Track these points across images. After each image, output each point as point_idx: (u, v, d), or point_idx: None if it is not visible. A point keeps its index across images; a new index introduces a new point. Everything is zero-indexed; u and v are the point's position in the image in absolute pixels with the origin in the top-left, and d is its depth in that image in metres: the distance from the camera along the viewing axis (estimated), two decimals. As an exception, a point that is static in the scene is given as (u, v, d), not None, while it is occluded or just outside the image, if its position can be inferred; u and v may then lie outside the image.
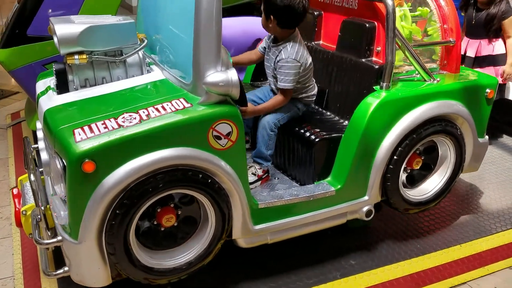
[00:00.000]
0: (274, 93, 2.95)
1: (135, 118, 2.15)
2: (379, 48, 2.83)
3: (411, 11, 3.34)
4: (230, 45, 4.22)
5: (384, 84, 2.70)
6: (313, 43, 3.34)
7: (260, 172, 2.83)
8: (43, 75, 2.83)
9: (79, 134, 2.07)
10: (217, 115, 2.23)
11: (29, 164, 2.61)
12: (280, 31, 2.74)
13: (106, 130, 2.09)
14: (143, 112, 2.19)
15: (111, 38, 2.48)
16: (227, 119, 2.25)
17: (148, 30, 2.81)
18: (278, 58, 2.74)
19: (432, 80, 2.87)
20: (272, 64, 2.81)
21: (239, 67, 3.93)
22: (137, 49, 2.55)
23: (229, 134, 2.28)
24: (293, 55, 2.70)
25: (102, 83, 2.52)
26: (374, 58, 2.87)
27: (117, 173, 2.07)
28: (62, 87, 2.46)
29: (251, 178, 2.78)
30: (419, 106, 2.75)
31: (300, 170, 2.89)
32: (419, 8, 3.37)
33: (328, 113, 3.14)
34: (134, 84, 2.46)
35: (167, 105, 2.23)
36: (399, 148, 2.76)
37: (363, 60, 2.87)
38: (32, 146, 2.83)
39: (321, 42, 3.37)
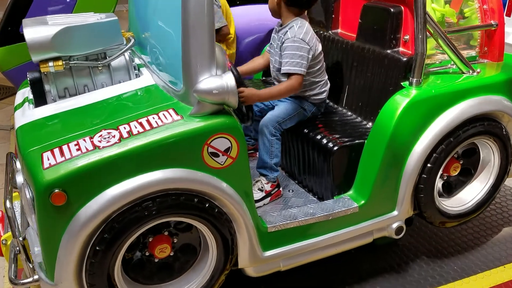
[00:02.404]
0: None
1: (114, 136, 1.80)
2: (407, 37, 2.40)
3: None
4: (243, 35, 3.86)
5: (414, 80, 2.27)
6: (330, 32, 2.93)
7: (268, 187, 2.46)
8: (26, 84, 2.51)
9: (48, 159, 1.75)
10: (212, 128, 1.87)
11: (7, 186, 2.31)
12: (287, 11, 2.39)
13: (79, 152, 1.75)
14: (124, 128, 1.84)
15: (92, 40, 2.14)
16: (224, 133, 1.89)
17: (139, 26, 2.46)
18: (283, 39, 2.37)
19: (471, 71, 2.43)
20: (278, 51, 2.42)
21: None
22: (122, 50, 2.21)
23: (228, 150, 1.91)
24: (300, 35, 2.32)
25: (84, 92, 2.19)
26: (401, 49, 2.44)
27: (93, 204, 1.74)
28: (39, 98, 2.14)
29: (258, 195, 2.42)
30: (457, 104, 2.33)
31: (317, 182, 2.51)
32: (453, -15, 2.90)
33: (349, 113, 2.73)
34: (118, 92, 2.11)
35: (153, 118, 1.88)
36: (434, 155, 2.35)
37: (389, 51, 2.44)
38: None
39: (339, 30, 2.95)
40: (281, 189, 2.56)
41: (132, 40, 2.27)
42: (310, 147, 2.49)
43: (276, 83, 2.57)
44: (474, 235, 2.91)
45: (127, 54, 2.23)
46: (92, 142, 1.79)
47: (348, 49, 2.73)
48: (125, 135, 1.81)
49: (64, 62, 2.08)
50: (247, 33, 3.86)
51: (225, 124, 1.89)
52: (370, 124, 2.57)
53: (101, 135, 1.81)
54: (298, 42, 2.32)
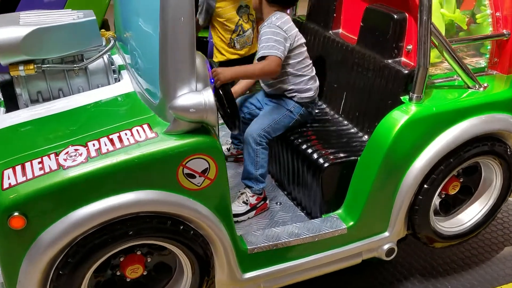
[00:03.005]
0: (270, 99, 2.42)
1: (81, 154, 1.67)
2: (410, 47, 2.22)
3: (455, -10, 2.67)
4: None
5: (415, 96, 2.10)
6: (330, 32, 2.74)
7: (253, 200, 2.33)
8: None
9: (9, 178, 1.62)
10: (188, 148, 1.73)
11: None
12: (268, 7, 2.30)
13: (42, 172, 1.62)
14: (93, 145, 1.70)
15: (67, 41, 1.99)
16: (202, 153, 1.74)
17: (121, 23, 2.29)
18: (261, 32, 2.27)
19: (477, 86, 2.24)
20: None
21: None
22: (101, 53, 2.05)
23: (205, 171, 1.77)
24: (277, 23, 2.23)
25: (59, 96, 2.05)
26: (403, 59, 2.26)
27: (55, 228, 1.62)
28: (10, 102, 2.01)
29: (242, 208, 2.29)
30: (459, 123, 2.15)
31: (305, 196, 2.37)
32: (466, -14, 2.68)
33: (345, 122, 2.57)
34: (93, 99, 1.97)
35: (126, 134, 1.74)
36: (432, 175, 2.19)
37: (390, 61, 2.26)
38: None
39: (340, 31, 2.76)
40: (267, 202, 2.42)
41: (112, 41, 2.11)
42: (300, 160, 2.34)
43: (265, 88, 2.42)
44: (472, 251, 2.78)
45: (106, 57, 2.08)
46: (57, 160, 1.65)
47: (348, 53, 2.55)
48: (93, 153, 1.67)
49: (36, 65, 1.93)
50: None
51: (202, 144, 1.75)
52: (366, 136, 2.42)
53: (67, 152, 1.68)
54: (273, 28, 2.21)
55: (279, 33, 2.19)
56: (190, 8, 1.66)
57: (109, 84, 2.11)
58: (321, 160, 2.22)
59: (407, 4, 2.19)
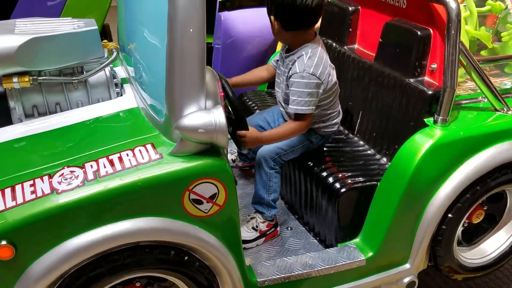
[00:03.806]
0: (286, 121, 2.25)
1: (77, 177, 1.51)
2: (434, 66, 2.06)
3: (478, 5, 2.54)
4: (249, 43, 3.51)
5: (440, 118, 1.94)
6: (345, 47, 2.59)
7: (263, 227, 2.15)
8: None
9: (-4, 202, 1.46)
10: (195, 172, 1.56)
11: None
12: (290, 36, 2.00)
13: (33, 196, 1.46)
14: (91, 166, 1.54)
15: (66, 52, 1.84)
16: (210, 177, 1.58)
17: (126, 33, 2.15)
18: (290, 72, 2.00)
19: (505, 109, 2.09)
20: (284, 81, 2.09)
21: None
22: (102, 65, 1.90)
23: (214, 196, 1.61)
24: (310, 69, 1.95)
25: (56, 111, 1.90)
26: (426, 78, 2.11)
27: (47, 259, 1.46)
28: (3, 116, 1.86)
29: (251, 235, 2.13)
30: (487, 149, 1.99)
31: (319, 223, 2.20)
32: (489, 1, 2.55)
33: (361, 143, 2.41)
34: (93, 115, 1.81)
35: (127, 155, 1.58)
36: (457, 204, 2.03)
37: (412, 80, 2.11)
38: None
39: (356, 46, 2.61)
40: (278, 228, 2.25)
41: (115, 53, 1.97)
42: (314, 183, 2.17)
43: (281, 107, 2.25)
44: (495, 281, 2.60)
45: (107, 69, 1.93)
46: (50, 183, 1.49)
47: (365, 70, 2.40)
48: (90, 176, 1.51)
49: (31, 78, 1.78)
50: (253, 38, 3.51)
51: (211, 167, 1.58)
52: (384, 159, 2.26)
53: (62, 174, 1.52)
54: (307, 78, 1.94)
55: (312, 83, 1.95)
56: (201, 18, 1.51)
57: (110, 98, 1.95)
58: (337, 185, 2.05)
59: (432, 20, 2.05)
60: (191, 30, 1.50)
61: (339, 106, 2.24)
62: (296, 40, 2.01)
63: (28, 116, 1.87)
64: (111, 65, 1.96)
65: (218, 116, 1.53)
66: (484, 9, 2.59)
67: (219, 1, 3.19)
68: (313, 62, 1.96)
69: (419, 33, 2.06)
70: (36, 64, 1.78)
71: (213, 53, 3.32)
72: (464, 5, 2.47)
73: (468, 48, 2.28)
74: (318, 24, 2.88)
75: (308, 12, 1.90)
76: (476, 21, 2.43)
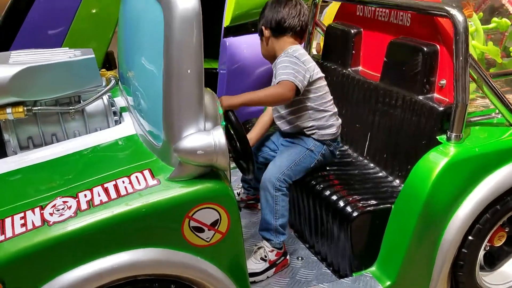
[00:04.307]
0: (287, 139, 2.19)
1: (69, 208, 1.42)
2: (443, 82, 1.99)
3: (483, 22, 2.48)
4: (255, 68, 3.48)
5: (453, 135, 1.85)
6: (349, 69, 2.53)
7: (272, 256, 2.03)
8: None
9: (-16, 236, 1.37)
10: (195, 197, 1.47)
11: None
12: (278, 44, 2.12)
13: (24, 229, 1.37)
14: (85, 196, 1.46)
15: (62, 81, 1.79)
16: (211, 202, 1.49)
17: (124, 61, 2.11)
18: (277, 63, 2.06)
19: (521, 124, 1.99)
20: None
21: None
22: (99, 93, 1.85)
23: (216, 223, 1.51)
24: (294, 53, 2.05)
25: (52, 142, 1.83)
26: (436, 95, 2.03)
27: (38, 295, 1.35)
28: (-3, 149, 1.79)
29: (260, 266, 2.01)
30: (505, 165, 1.88)
31: (331, 251, 2.08)
32: (495, 19, 2.50)
33: (371, 165, 2.31)
34: (90, 144, 1.74)
35: (123, 182, 1.50)
36: (477, 225, 1.91)
37: (421, 97, 2.03)
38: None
39: (360, 68, 2.55)
40: (288, 257, 2.13)
41: (113, 81, 1.92)
42: (324, 208, 2.07)
43: (281, 126, 2.19)
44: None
45: (105, 98, 1.87)
46: (42, 215, 1.41)
47: (371, 91, 2.33)
48: (83, 206, 1.42)
49: (26, 108, 1.73)
50: (258, 63, 3.47)
51: (212, 191, 1.49)
52: (397, 181, 2.15)
53: (54, 205, 1.43)
54: (291, 57, 2.02)
55: (297, 64, 2.00)
56: (198, 39, 1.46)
57: (108, 127, 1.89)
58: (348, 209, 1.94)
59: (438, 35, 1.98)
60: (190, 54, 1.45)
61: (335, 109, 2.19)
62: (283, 47, 2.11)
63: (23, 148, 1.80)
64: (109, 94, 1.91)
65: (217, 137, 1.45)
66: (490, 26, 2.54)
67: (224, 27, 3.17)
68: (297, 52, 2.06)
69: (425, 49, 2.00)
70: (30, 94, 1.73)
71: (218, 78, 3.27)
72: (472, 23, 2.42)
73: (476, 59, 2.22)
74: (320, 48, 2.85)
75: (293, 15, 2.09)
76: (482, 37, 2.38)
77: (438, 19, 1.95)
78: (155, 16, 1.54)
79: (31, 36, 2.90)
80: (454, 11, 1.77)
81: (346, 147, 2.49)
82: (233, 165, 2.00)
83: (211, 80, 3.31)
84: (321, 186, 2.12)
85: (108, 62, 3.22)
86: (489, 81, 1.88)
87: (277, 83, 1.97)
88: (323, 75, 2.15)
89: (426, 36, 2.06)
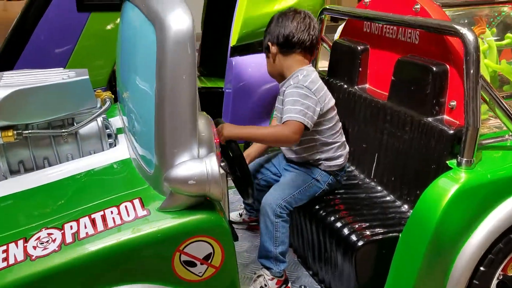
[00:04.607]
0: (291, 164, 2.09)
1: (54, 240, 1.35)
2: (453, 103, 1.89)
3: (496, 38, 2.38)
4: (261, 88, 3.42)
5: (464, 160, 1.74)
6: (356, 87, 2.44)
7: (272, 284, 1.95)
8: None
9: (-37, 271, 1.30)
10: (186, 230, 1.39)
11: None
12: (286, 61, 2.00)
13: (5, 264, 1.30)
14: (71, 227, 1.39)
15: (54, 103, 1.74)
16: (204, 235, 1.41)
17: (121, 82, 2.05)
18: (285, 92, 1.94)
19: (537, 147, 1.88)
20: (282, 109, 1.97)
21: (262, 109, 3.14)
22: (93, 116, 1.79)
23: (209, 257, 1.43)
24: (305, 83, 1.91)
25: (44, 166, 1.77)
26: (445, 117, 1.93)
27: (17, 335, 1.27)
28: (-14, 174, 1.74)
29: (261, 296, 1.91)
30: (520, 192, 1.77)
31: (336, 280, 1.98)
32: (509, 34, 2.39)
33: (378, 188, 2.21)
34: (81, 169, 1.68)
35: (111, 213, 1.42)
36: (489, 256, 1.79)
37: (430, 119, 1.93)
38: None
39: (367, 86, 2.46)
40: (289, 284, 2.03)
41: (108, 103, 1.86)
42: (327, 235, 1.97)
43: (286, 154, 2.10)
44: None
45: (100, 120, 1.81)
46: (25, 248, 1.34)
47: (378, 110, 2.23)
48: (68, 239, 1.35)
49: (16, 132, 1.67)
50: (264, 82, 3.42)
51: (205, 223, 1.41)
52: (405, 206, 2.05)
53: (39, 237, 1.36)
54: (301, 89, 1.88)
55: (308, 96, 1.87)
56: (191, 61, 1.39)
57: (103, 150, 1.83)
58: (353, 237, 1.85)
59: (448, 54, 1.89)
60: (184, 77, 1.39)
61: (343, 138, 2.08)
62: (292, 66, 2.00)
63: (14, 172, 1.75)
64: (104, 115, 1.85)
65: (211, 164, 1.37)
66: (503, 42, 2.43)
67: (231, 46, 3.13)
68: (308, 79, 1.94)
69: (434, 69, 1.90)
70: (21, 118, 1.67)
71: (224, 97, 3.23)
72: (482, 39, 2.32)
73: (488, 78, 2.12)
74: (325, 64, 2.77)
75: (302, 29, 1.97)
76: (495, 55, 2.27)
77: (447, 37, 1.86)
78: (148, 37, 1.48)
79: (37, 54, 2.88)
80: (464, 30, 1.68)
81: (352, 168, 2.39)
82: (233, 184, 1.93)
83: (216, 99, 3.28)
84: (325, 211, 2.03)
85: (115, 80, 3.19)
86: (502, 103, 1.78)
87: (283, 122, 1.85)
88: (334, 102, 2.04)
89: (436, 55, 1.96)
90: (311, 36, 1.99)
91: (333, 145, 2.04)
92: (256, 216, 2.41)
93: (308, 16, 2.01)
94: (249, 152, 2.23)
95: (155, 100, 1.42)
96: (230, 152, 1.81)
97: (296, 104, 1.84)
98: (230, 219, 2.48)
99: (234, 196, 2.65)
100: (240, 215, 2.46)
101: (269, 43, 2.02)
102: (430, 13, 1.99)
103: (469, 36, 1.67)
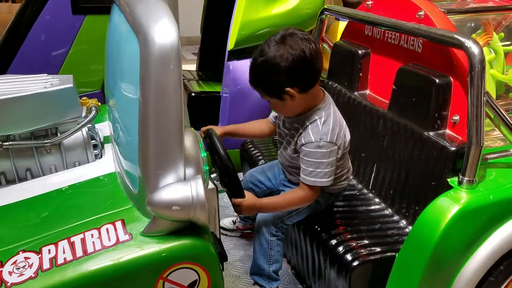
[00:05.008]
0: (290, 181, 2.00)
1: (31, 266, 1.28)
2: (456, 117, 1.80)
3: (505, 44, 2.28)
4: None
5: (465, 179, 1.66)
6: (356, 93, 2.35)
7: (266, 303, 1.88)
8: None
9: None
10: (170, 256, 1.32)
11: None
12: (304, 100, 1.73)
13: (-23, 291, 1.24)
14: (49, 251, 1.32)
15: (37, 113, 1.66)
16: (189, 262, 1.33)
17: (107, 88, 1.97)
18: (304, 140, 1.74)
19: (543, 164, 1.79)
20: (291, 145, 1.83)
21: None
22: (78, 126, 1.71)
23: (193, 284, 1.36)
24: (327, 136, 1.70)
25: (26, 177, 1.70)
26: (448, 131, 1.84)
27: None
28: (-35, 186, 1.67)
29: (252, 315, 1.85)
30: (524, 213, 1.69)
31: (330, 298, 1.91)
32: (517, 40, 2.30)
33: (376, 200, 2.13)
34: (63, 183, 1.60)
35: (92, 236, 1.35)
36: (490, 278, 1.72)
37: (431, 133, 1.84)
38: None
39: (367, 92, 2.37)
40: (283, 302, 1.97)
41: (94, 111, 1.77)
42: (321, 252, 1.90)
43: (285, 171, 2.00)
44: None
45: (85, 130, 1.73)
46: (0, 273, 1.27)
47: (379, 118, 2.15)
48: (46, 264, 1.28)
49: (-3, 143, 1.59)
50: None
51: (190, 248, 1.34)
52: (403, 222, 1.97)
53: (15, 262, 1.29)
54: (325, 148, 1.70)
55: (331, 152, 1.71)
56: (177, 77, 1.31)
57: (88, 161, 1.75)
58: (348, 257, 1.77)
59: (451, 66, 1.80)
60: (168, 95, 1.30)
61: (349, 163, 1.98)
62: (310, 103, 1.76)
63: (-5, 184, 1.67)
64: (89, 125, 1.77)
65: (196, 188, 1.30)
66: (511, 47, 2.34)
67: (228, 50, 3.04)
68: (329, 128, 1.72)
69: (437, 80, 1.81)
70: (1, 129, 1.59)
71: (221, 102, 3.16)
72: (488, 44, 2.22)
73: (495, 89, 2.03)
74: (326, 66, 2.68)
75: (315, 60, 1.68)
76: (503, 63, 2.18)
77: (452, 49, 1.76)
78: (132, 48, 1.39)
79: (31, 56, 2.81)
80: (469, 43, 1.58)
81: (350, 177, 2.31)
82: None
83: (214, 104, 3.19)
84: (320, 226, 1.94)
85: None
86: (508, 120, 1.69)
87: (302, 185, 1.75)
88: (349, 138, 1.87)
89: (439, 65, 1.87)
90: (321, 58, 1.73)
91: (341, 173, 1.92)
92: (251, 224, 2.34)
93: (307, 39, 1.68)
94: (244, 130, 2.08)
95: (139, 118, 1.34)
96: (221, 165, 1.74)
97: (321, 167, 1.71)
98: (223, 225, 2.41)
99: (228, 201, 2.58)
100: (234, 222, 2.40)
101: (288, 89, 1.67)
102: (434, 21, 1.89)
103: (474, 49, 1.57)
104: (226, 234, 2.41)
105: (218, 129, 1.90)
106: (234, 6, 2.99)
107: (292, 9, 3.06)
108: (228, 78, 3.03)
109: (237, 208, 1.72)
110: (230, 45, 2.97)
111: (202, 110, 3.30)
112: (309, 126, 1.73)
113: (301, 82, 1.68)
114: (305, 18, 3.17)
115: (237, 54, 3.00)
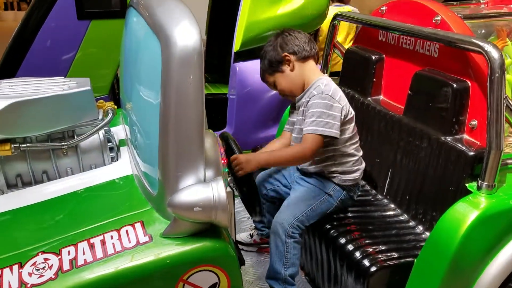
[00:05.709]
0: (303, 177, 2.00)
1: (51, 267, 1.27)
2: (474, 122, 1.79)
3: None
4: (265, 93, 3.32)
5: (485, 184, 1.64)
6: (369, 98, 2.35)
7: (281, 309, 1.86)
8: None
9: (-48, 299, 1.23)
10: (190, 258, 1.31)
11: None
12: (306, 70, 1.94)
13: (-3, 292, 1.23)
14: (68, 253, 1.31)
15: (54, 116, 1.65)
16: (209, 264, 1.32)
17: (124, 91, 1.97)
18: (309, 102, 1.87)
19: None
20: (302, 123, 1.90)
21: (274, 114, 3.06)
22: (95, 128, 1.70)
23: (214, 287, 1.34)
24: (329, 92, 1.86)
25: (42, 180, 1.69)
26: (465, 136, 1.83)
27: None
28: (-16, 188, 1.66)
29: (267, 321, 1.83)
30: (544, 218, 1.67)
31: (346, 305, 1.89)
32: (531, 47, 2.29)
33: (391, 206, 2.12)
34: (80, 186, 1.60)
35: (112, 237, 1.34)
36: (510, 284, 1.70)
37: (449, 138, 1.83)
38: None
39: (381, 97, 2.36)
40: (299, 309, 1.95)
41: (110, 114, 1.77)
42: (338, 257, 1.88)
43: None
44: None
45: (101, 132, 1.73)
46: (20, 274, 1.26)
47: (393, 124, 2.14)
48: (66, 266, 1.27)
49: (13, 146, 1.59)
50: (268, 88, 3.32)
51: (210, 251, 1.33)
52: (420, 227, 1.95)
53: (35, 263, 1.28)
54: (327, 99, 1.83)
55: (333, 106, 1.83)
56: (199, 79, 1.30)
57: (104, 164, 1.74)
58: (366, 262, 1.75)
59: (469, 71, 1.79)
60: (190, 97, 1.30)
61: (361, 152, 2.00)
62: (310, 75, 1.94)
63: (11, 186, 1.67)
64: (106, 127, 1.76)
65: (217, 190, 1.29)
66: (525, 54, 2.33)
67: (234, 52, 3.05)
68: (331, 88, 1.89)
69: (455, 85, 1.80)
70: (18, 131, 1.59)
71: (228, 103, 3.16)
72: (503, 52, 2.22)
73: (511, 94, 2.02)
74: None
75: (308, 38, 1.96)
76: (517, 70, 2.17)
77: (470, 53, 1.76)
78: (153, 51, 1.39)
79: (38, 63, 2.81)
80: (488, 47, 1.58)
81: (364, 183, 2.30)
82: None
83: (221, 105, 3.19)
84: (337, 230, 1.93)
85: (118, 87, 3.12)
86: (527, 125, 1.68)
87: (304, 138, 1.83)
88: (353, 116, 1.97)
89: (456, 70, 1.86)
90: (314, 45, 1.99)
91: (351, 158, 1.96)
92: (268, 236, 2.32)
93: (301, 31, 2.01)
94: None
95: (160, 120, 1.33)
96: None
97: (322, 116, 1.81)
98: (240, 239, 2.37)
99: (245, 214, 2.55)
100: (251, 235, 2.37)
101: (285, 55, 1.92)
102: (451, 26, 1.89)
103: (494, 54, 1.57)
104: (242, 249, 2.37)
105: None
106: (239, 8, 3.00)
107: (297, 10, 3.08)
108: (235, 80, 3.03)
109: (234, 164, 1.75)
110: (236, 46, 2.97)
111: (209, 112, 3.31)
112: (313, 91, 1.89)
113: (296, 50, 1.91)
114: (310, 19, 3.19)
115: (243, 55, 3.01)
